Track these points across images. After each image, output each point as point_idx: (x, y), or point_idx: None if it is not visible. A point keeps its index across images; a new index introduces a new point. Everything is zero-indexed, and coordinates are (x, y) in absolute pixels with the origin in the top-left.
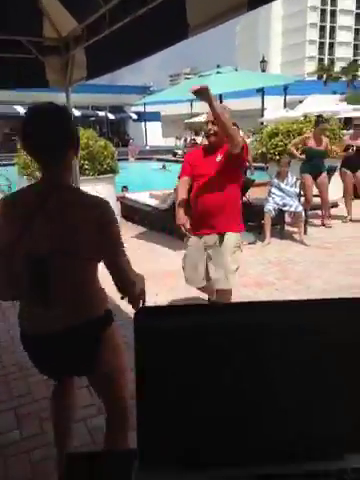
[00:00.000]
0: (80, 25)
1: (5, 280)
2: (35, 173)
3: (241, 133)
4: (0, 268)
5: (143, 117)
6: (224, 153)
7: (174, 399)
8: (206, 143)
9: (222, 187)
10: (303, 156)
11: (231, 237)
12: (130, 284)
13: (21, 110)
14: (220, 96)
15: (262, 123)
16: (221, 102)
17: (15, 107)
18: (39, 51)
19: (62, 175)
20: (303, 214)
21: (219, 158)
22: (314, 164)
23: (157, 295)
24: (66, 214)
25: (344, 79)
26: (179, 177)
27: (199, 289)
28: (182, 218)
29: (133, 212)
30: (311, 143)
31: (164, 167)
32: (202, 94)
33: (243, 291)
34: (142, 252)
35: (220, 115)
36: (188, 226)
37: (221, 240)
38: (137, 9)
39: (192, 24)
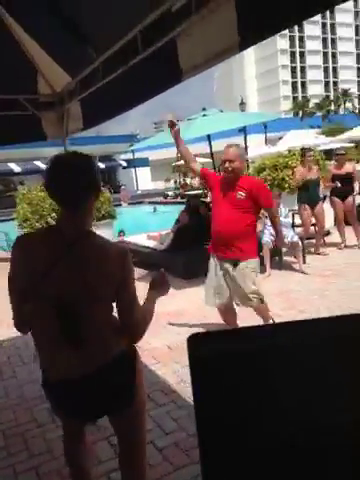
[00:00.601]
0: (74, 79)
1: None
2: (35, 225)
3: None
4: (18, 305)
5: (132, 163)
6: (250, 195)
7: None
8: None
9: (241, 220)
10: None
11: (250, 263)
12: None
13: (14, 167)
14: (208, 137)
15: (247, 160)
16: (210, 143)
17: (8, 164)
18: (35, 107)
19: (85, 221)
20: (300, 243)
21: (240, 196)
22: (311, 194)
23: (164, 335)
24: (94, 261)
25: (319, 114)
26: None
27: (223, 317)
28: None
29: (132, 255)
30: (305, 173)
31: (155, 210)
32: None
33: (251, 324)
34: (144, 294)
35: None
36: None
37: (236, 265)
38: (130, 59)
39: (185, 68)
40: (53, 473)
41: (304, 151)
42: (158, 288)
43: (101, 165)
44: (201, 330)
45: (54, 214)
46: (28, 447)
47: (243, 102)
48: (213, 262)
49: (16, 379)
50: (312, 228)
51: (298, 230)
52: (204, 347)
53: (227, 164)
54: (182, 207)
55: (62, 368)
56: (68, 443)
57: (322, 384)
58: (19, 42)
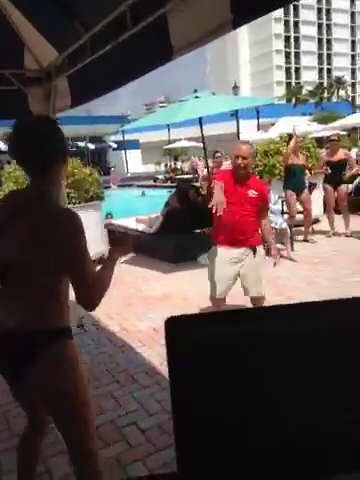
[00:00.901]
0: (61, 55)
1: None
2: None
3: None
4: None
5: (123, 145)
6: (259, 194)
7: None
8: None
9: (252, 213)
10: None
11: (260, 251)
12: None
13: (1, 145)
14: (200, 120)
15: None
16: (201, 125)
17: None
18: (21, 82)
19: (45, 187)
20: (288, 230)
21: (252, 194)
22: (297, 180)
23: (150, 317)
24: (34, 226)
25: (312, 101)
26: (215, 179)
27: (215, 303)
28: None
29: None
30: (291, 159)
31: (143, 194)
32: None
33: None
34: (132, 277)
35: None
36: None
37: (251, 253)
38: (118, 36)
39: (176, 46)
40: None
41: (290, 136)
42: (118, 247)
43: (91, 146)
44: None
45: None
46: (10, 427)
47: (236, 86)
48: (224, 253)
49: None
50: (299, 216)
51: (287, 217)
52: (181, 330)
53: (240, 160)
54: (171, 191)
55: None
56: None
57: (301, 374)
58: (6, 15)
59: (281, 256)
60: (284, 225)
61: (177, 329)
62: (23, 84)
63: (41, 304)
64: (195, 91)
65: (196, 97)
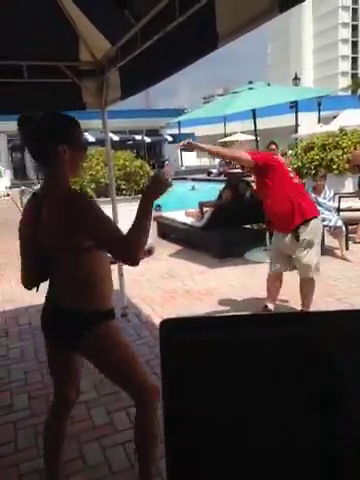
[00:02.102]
0: (114, 46)
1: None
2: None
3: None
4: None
5: (178, 138)
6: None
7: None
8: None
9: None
10: None
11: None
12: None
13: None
14: (253, 112)
15: (296, 139)
16: (254, 118)
17: None
18: (76, 75)
19: (54, 175)
20: (343, 229)
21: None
22: None
23: (193, 312)
24: (54, 216)
25: None
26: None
27: (271, 287)
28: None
29: (169, 231)
30: None
31: (193, 188)
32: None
33: (283, 309)
34: (177, 270)
35: (216, 153)
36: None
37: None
38: (167, 24)
39: (221, 33)
40: (72, 437)
41: None
42: (156, 184)
43: (147, 139)
44: (229, 309)
45: (94, 186)
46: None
47: (297, 77)
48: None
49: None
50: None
51: (344, 214)
52: (174, 332)
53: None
54: (222, 186)
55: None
56: (54, 408)
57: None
58: (62, 8)
59: (334, 255)
60: (339, 223)
61: (170, 332)
62: (77, 77)
63: (85, 287)
64: (250, 82)
65: (250, 88)
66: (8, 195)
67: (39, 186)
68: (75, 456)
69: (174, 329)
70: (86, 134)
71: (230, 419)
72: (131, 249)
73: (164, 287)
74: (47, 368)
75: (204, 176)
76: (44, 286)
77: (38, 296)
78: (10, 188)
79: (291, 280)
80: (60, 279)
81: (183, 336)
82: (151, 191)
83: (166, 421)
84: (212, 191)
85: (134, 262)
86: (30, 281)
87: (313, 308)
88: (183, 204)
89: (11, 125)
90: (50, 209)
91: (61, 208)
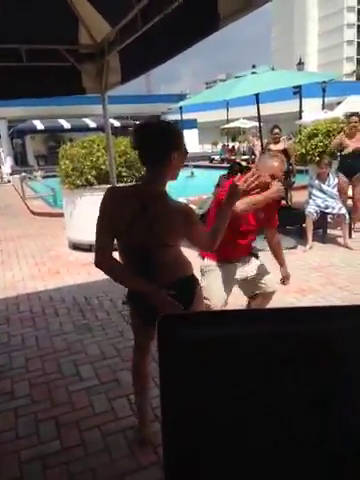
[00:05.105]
0: (114, 29)
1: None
2: (76, 181)
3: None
4: (102, 244)
5: (180, 124)
6: None
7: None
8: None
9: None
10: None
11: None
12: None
13: (64, 123)
14: (257, 96)
15: (300, 125)
16: (258, 103)
17: (59, 121)
18: (75, 59)
19: (162, 180)
20: (347, 216)
21: None
22: (353, 163)
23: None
24: (164, 219)
25: None
26: None
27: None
28: None
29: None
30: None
31: (192, 174)
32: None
33: (285, 298)
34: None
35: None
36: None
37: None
38: (168, 5)
39: (223, 14)
40: (72, 424)
41: (351, 116)
42: (231, 197)
43: None
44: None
45: (94, 172)
46: (51, 397)
47: (301, 62)
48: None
49: (47, 330)
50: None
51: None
52: (172, 329)
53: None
54: (222, 172)
55: None
56: (137, 354)
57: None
58: None
59: (337, 243)
60: (343, 210)
61: (168, 328)
62: (77, 61)
63: (180, 264)
64: (253, 66)
65: (253, 72)
66: (9, 182)
67: (132, 187)
68: (76, 443)
69: (173, 326)
70: (87, 120)
71: (230, 419)
72: (215, 244)
73: None
74: (47, 355)
75: (207, 163)
76: (51, 279)
77: (39, 283)
78: (11, 175)
79: (292, 280)
80: (162, 269)
81: (182, 334)
82: (229, 203)
83: (165, 421)
84: (211, 177)
85: (213, 248)
86: (105, 260)
87: (314, 296)
88: (181, 191)
89: (12, 111)
90: (161, 213)
91: (173, 214)
